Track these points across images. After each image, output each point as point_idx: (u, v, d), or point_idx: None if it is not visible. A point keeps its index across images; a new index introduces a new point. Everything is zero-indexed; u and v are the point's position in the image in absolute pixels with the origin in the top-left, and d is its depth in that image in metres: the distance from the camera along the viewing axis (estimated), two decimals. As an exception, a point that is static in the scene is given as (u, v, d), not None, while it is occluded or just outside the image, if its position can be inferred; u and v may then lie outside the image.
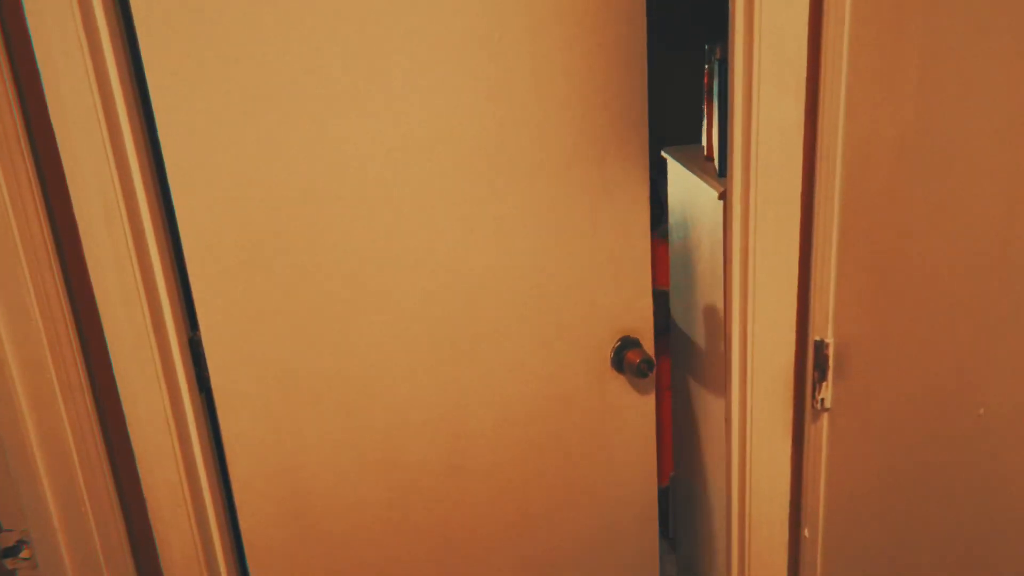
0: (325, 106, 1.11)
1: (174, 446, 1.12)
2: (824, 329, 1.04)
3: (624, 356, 1.36)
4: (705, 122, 1.53)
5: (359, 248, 1.19)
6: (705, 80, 1.48)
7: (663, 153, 1.77)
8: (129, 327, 1.06)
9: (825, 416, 1.07)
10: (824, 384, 1.06)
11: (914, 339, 0.83)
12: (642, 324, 1.38)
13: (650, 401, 1.44)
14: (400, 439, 1.29)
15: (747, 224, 1.05)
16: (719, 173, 1.44)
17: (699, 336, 1.65)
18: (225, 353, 1.18)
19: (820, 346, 1.05)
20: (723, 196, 1.37)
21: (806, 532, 1.16)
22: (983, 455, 0.71)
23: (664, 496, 1.99)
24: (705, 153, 1.56)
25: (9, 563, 1.08)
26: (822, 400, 1.07)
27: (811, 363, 1.07)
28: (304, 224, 1.15)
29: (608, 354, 1.38)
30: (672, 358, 1.86)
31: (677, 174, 1.71)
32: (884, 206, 0.87)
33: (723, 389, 1.33)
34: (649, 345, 1.39)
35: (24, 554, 1.08)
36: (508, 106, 1.18)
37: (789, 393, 1.11)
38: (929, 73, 0.77)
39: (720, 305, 1.48)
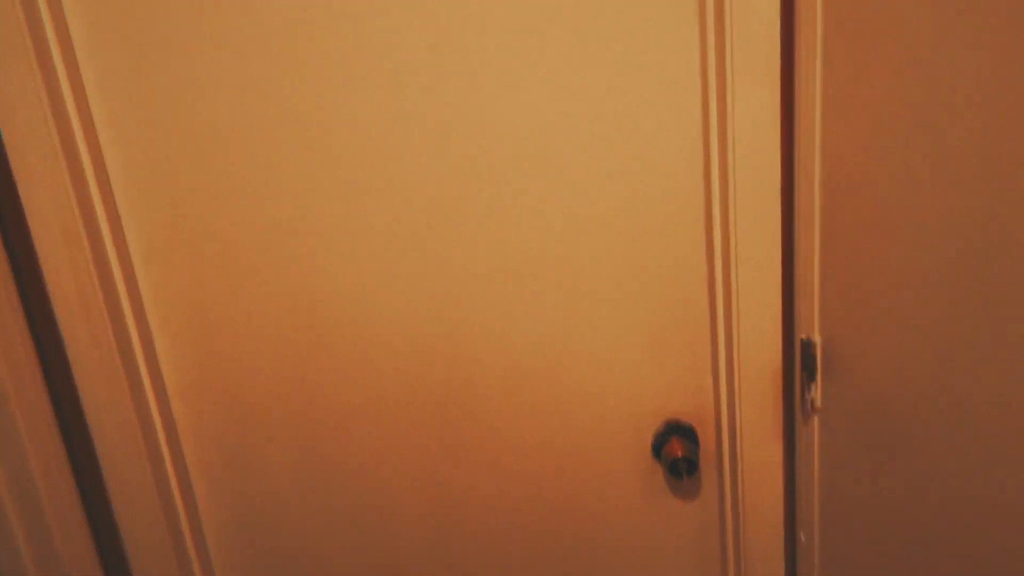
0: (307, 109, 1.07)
1: (141, 452, 1.10)
2: (811, 327, 1.01)
3: (664, 445, 1.11)
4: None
5: (346, 265, 1.08)
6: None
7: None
8: (86, 330, 1.03)
9: (816, 417, 1.04)
10: (813, 384, 1.03)
11: (900, 335, 0.80)
12: (698, 410, 1.10)
13: (699, 508, 1.12)
14: (387, 495, 1.17)
15: (727, 222, 1.02)
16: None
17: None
18: (182, 383, 1.15)
19: (807, 345, 1.02)
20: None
21: (802, 536, 1.12)
22: (971, 449, 0.68)
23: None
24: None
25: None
26: (812, 400, 1.03)
27: (799, 363, 1.04)
28: (278, 246, 1.09)
29: (649, 438, 1.12)
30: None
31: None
32: (866, 201, 0.84)
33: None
34: (708, 437, 1.11)
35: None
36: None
37: (778, 395, 1.08)
38: (908, 63, 0.74)
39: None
